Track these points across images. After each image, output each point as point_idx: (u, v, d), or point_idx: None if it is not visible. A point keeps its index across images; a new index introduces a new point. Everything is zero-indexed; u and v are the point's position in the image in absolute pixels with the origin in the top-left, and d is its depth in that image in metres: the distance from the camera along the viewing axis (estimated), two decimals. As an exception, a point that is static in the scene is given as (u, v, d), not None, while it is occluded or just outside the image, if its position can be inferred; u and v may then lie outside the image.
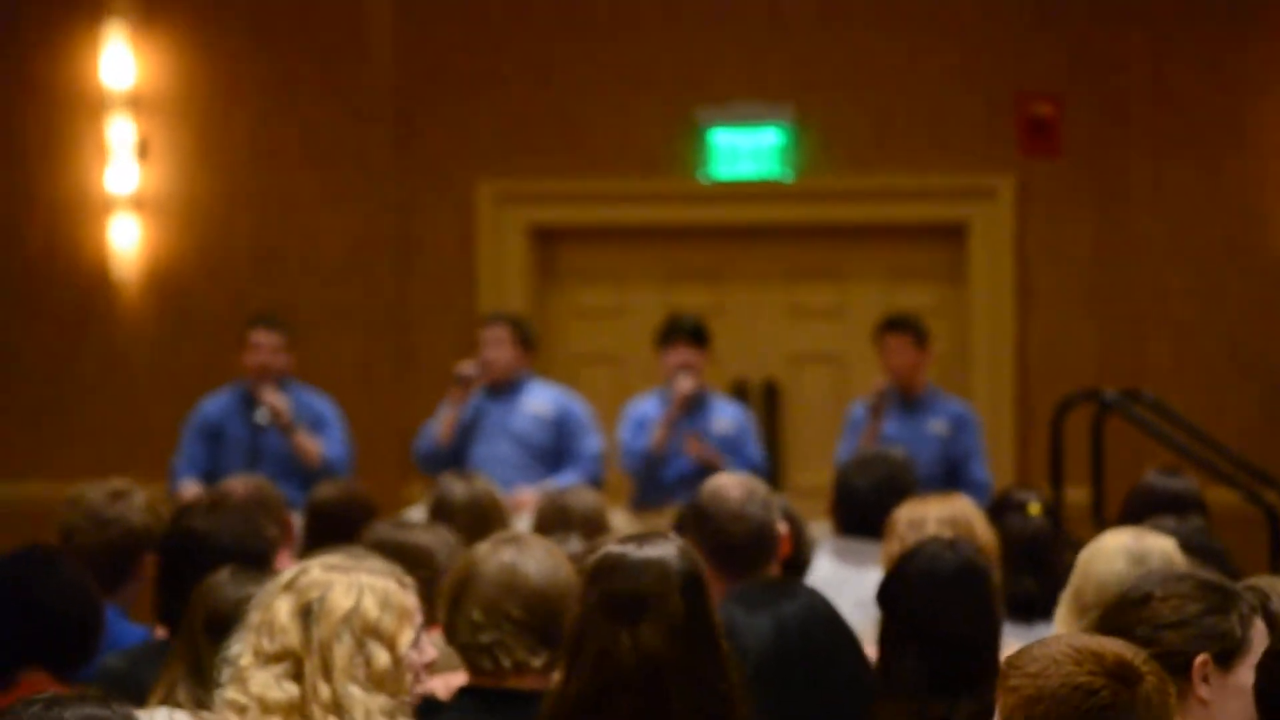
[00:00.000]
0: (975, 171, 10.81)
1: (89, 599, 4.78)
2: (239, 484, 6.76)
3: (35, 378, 11.14)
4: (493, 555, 4.37)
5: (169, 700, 4.22)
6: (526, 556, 4.36)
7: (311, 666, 3.79)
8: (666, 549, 3.92)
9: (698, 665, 3.78)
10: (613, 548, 3.95)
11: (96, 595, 4.83)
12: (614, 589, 3.84)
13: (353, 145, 11.08)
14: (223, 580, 4.40)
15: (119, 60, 11.10)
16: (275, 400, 9.31)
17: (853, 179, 10.89)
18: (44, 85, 11.14)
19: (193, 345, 10.94)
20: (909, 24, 10.78)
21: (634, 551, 3.91)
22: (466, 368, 9.41)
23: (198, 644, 4.28)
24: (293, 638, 3.80)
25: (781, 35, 10.87)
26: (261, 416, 9.29)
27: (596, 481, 9.05)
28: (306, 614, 3.81)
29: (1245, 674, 3.70)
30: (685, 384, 9.29)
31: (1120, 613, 3.80)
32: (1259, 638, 3.76)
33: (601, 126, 10.98)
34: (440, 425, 9.44)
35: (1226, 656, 3.73)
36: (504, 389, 9.46)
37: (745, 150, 10.99)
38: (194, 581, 4.50)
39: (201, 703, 4.12)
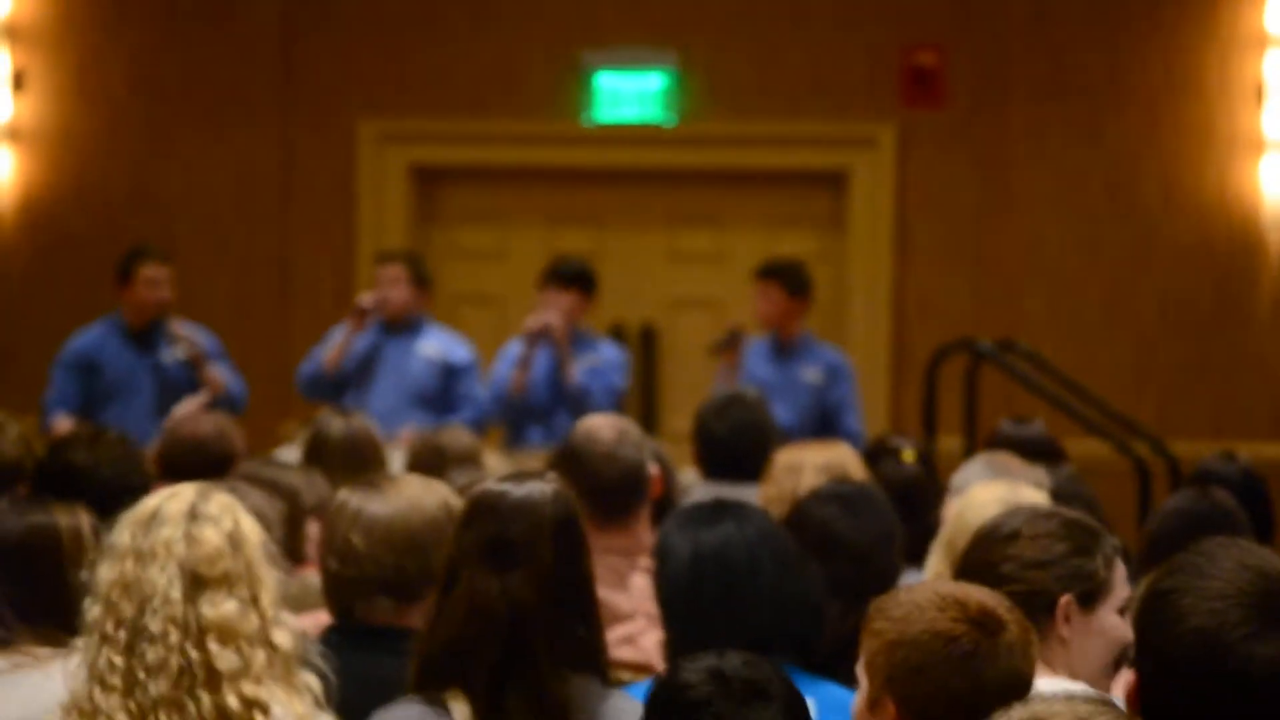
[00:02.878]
0: (857, 120, 10.73)
1: None
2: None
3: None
4: (355, 498, 4.29)
5: None
6: (390, 500, 4.27)
7: (251, 592, 3.71)
8: (541, 491, 3.80)
9: (564, 614, 3.71)
10: (489, 486, 3.83)
11: None
12: (487, 535, 3.75)
13: (235, 80, 10.93)
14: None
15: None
16: (187, 335, 9.16)
17: (735, 125, 10.80)
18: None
19: (65, 279, 10.77)
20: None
21: (510, 491, 3.79)
22: (366, 299, 9.31)
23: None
24: (229, 562, 3.71)
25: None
26: (179, 350, 9.14)
27: (480, 428, 8.98)
28: (233, 539, 3.73)
29: (1106, 615, 3.73)
30: (531, 321, 9.24)
31: (986, 548, 3.79)
32: (1119, 580, 3.77)
33: (486, 68, 10.84)
34: (329, 351, 9.32)
35: (1089, 597, 3.73)
36: (399, 328, 9.34)
37: (629, 94, 10.89)
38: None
39: None
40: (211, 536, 3.71)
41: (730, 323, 9.47)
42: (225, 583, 3.70)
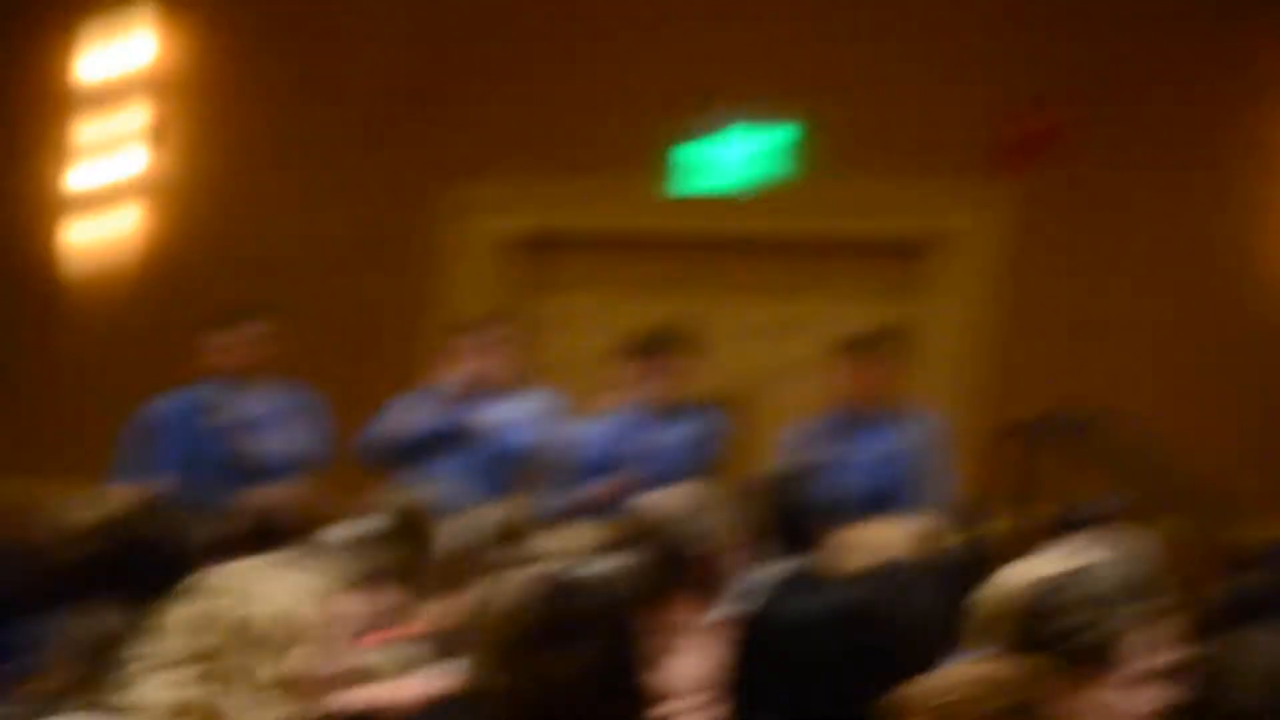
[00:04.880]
0: (954, 186, 10.54)
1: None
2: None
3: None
4: None
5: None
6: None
7: (202, 671, 3.70)
8: (603, 575, 3.92)
9: (613, 701, 3.81)
10: (552, 568, 3.94)
11: None
12: (542, 621, 3.84)
13: (326, 147, 10.94)
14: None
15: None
16: (230, 403, 9.15)
17: (840, 190, 10.63)
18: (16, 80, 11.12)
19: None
20: (894, 27, 10.59)
21: (570, 572, 3.91)
22: (450, 382, 9.19)
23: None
24: (190, 642, 3.70)
25: (781, 41, 10.70)
26: (220, 420, 9.14)
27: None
28: (202, 618, 3.72)
29: (1116, 686, 3.67)
30: (637, 395, 9.13)
31: (1010, 623, 3.76)
32: (1141, 647, 3.69)
33: (582, 133, 10.77)
34: (398, 425, 9.21)
35: (1098, 668, 3.68)
36: (479, 396, 9.25)
37: (723, 159, 10.81)
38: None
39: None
40: (198, 612, 3.72)
41: (831, 400, 9.31)
42: (196, 660, 3.69)
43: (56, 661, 4.29)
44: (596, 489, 8.55)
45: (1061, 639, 3.66)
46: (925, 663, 4.34)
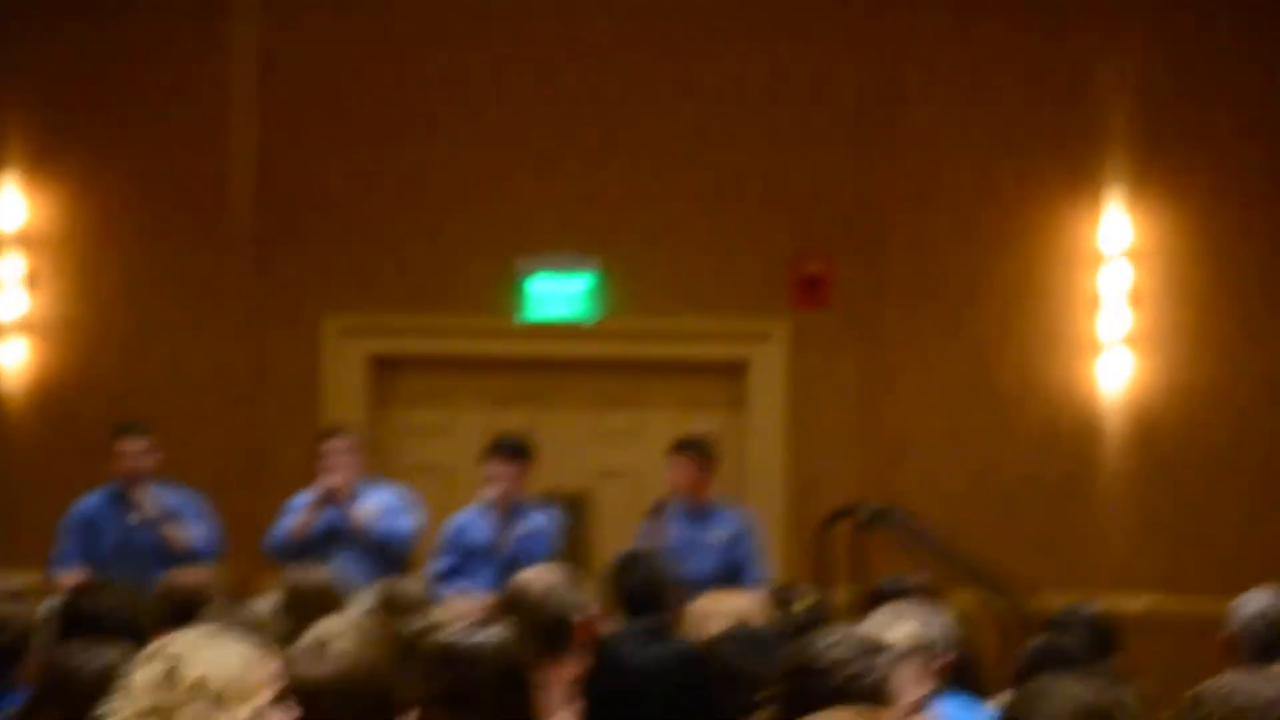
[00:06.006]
0: (755, 317, 11.01)
1: None
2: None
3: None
4: (305, 664, 4.12)
5: None
6: (336, 663, 4.11)
7: None
8: (489, 639, 3.93)
9: None
10: (442, 635, 3.99)
11: None
12: (442, 683, 3.86)
13: (214, 281, 11.12)
14: (74, 651, 4.31)
15: (11, 202, 11.18)
16: (143, 501, 9.39)
17: (649, 321, 11.05)
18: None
19: (70, 452, 10.90)
20: (703, 192, 10.97)
21: (461, 640, 3.92)
22: (332, 481, 9.53)
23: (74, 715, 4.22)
24: (149, 699, 3.67)
25: (591, 198, 11.10)
26: (134, 517, 9.37)
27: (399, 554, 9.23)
28: (165, 677, 3.68)
29: (893, 717, 3.85)
30: (489, 492, 9.50)
31: (795, 679, 3.89)
32: (904, 683, 3.93)
33: (435, 271, 11.08)
34: (296, 524, 9.56)
35: (878, 704, 3.80)
36: (347, 495, 9.60)
37: (557, 295, 11.15)
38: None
39: None
40: (146, 674, 3.69)
41: (658, 496, 9.67)
42: (162, 714, 3.66)
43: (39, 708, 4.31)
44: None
45: (850, 682, 3.82)
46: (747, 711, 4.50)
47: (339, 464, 9.57)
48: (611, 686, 4.25)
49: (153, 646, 3.77)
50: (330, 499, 9.53)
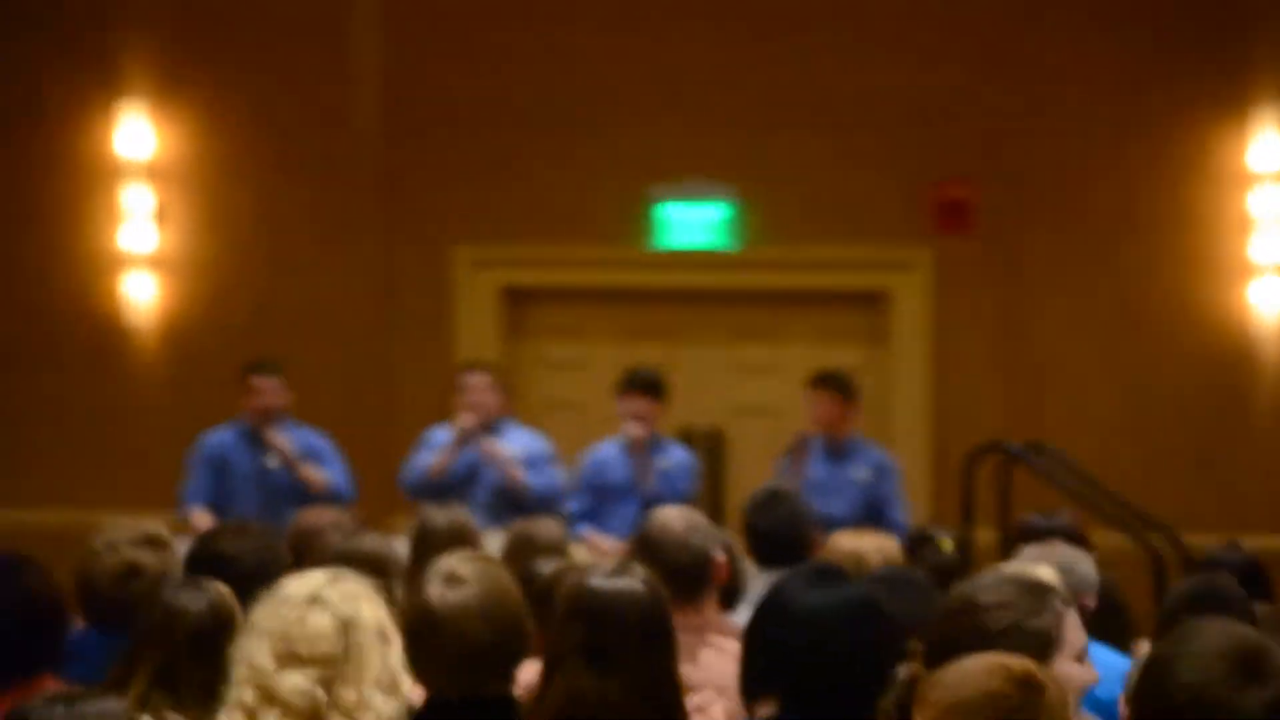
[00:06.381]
0: (897, 246, 10.87)
1: (49, 606, 4.61)
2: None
3: (59, 416, 11.14)
4: (437, 591, 4.02)
5: (149, 709, 4.11)
6: (470, 589, 4.00)
7: (343, 672, 3.71)
8: (632, 588, 3.84)
9: (651, 709, 3.78)
10: (585, 583, 3.87)
11: (58, 602, 4.66)
12: (583, 634, 3.81)
13: (342, 214, 11.11)
14: (186, 597, 4.28)
15: (138, 133, 11.12)
16: (281, 443, 9.34)
17: (788, 250, 10.94)
18: (66, 155, 11.16)
19: (198, 388, 10.93)
20: (841, 116, 10.83)
21: (604, 588, 3.83)
22: (467, 420, 9.38)
23: (175, 656, 4.18)
24: (331, 645, 3.71)
25: (726, 122, 10.94)
26: (271, 460, 9.32)
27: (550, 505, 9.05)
28: (346, 624, 3.72)
29: (1063, 664, 3.68)
30: (633, 430, 9.30)
31: (951, 623, 3.74)
32: (1071, 629, 3.75)
33: (567, 201, 11.02)
34: (435, 458, 9.43)
35: (1044, 653, 3.66)
36: (486, 431, 9.47)
37: (693, 223, 11.04)
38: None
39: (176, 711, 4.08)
40: (320, 621, 3.74)
41: (798, 432, 9.48)
42: (320, 663, 3.70)
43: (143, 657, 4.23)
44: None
45: (1015, 627, 3.67)
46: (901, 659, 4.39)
47: (479, 401, 9.43)
48: (779, 635, 3.97)
49: (297, 592, 3.77)
50: (469, 437, 9.39)
